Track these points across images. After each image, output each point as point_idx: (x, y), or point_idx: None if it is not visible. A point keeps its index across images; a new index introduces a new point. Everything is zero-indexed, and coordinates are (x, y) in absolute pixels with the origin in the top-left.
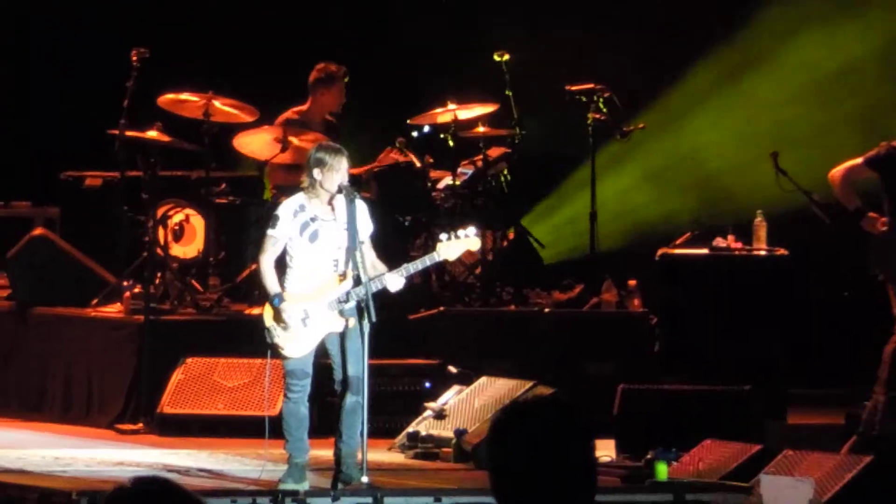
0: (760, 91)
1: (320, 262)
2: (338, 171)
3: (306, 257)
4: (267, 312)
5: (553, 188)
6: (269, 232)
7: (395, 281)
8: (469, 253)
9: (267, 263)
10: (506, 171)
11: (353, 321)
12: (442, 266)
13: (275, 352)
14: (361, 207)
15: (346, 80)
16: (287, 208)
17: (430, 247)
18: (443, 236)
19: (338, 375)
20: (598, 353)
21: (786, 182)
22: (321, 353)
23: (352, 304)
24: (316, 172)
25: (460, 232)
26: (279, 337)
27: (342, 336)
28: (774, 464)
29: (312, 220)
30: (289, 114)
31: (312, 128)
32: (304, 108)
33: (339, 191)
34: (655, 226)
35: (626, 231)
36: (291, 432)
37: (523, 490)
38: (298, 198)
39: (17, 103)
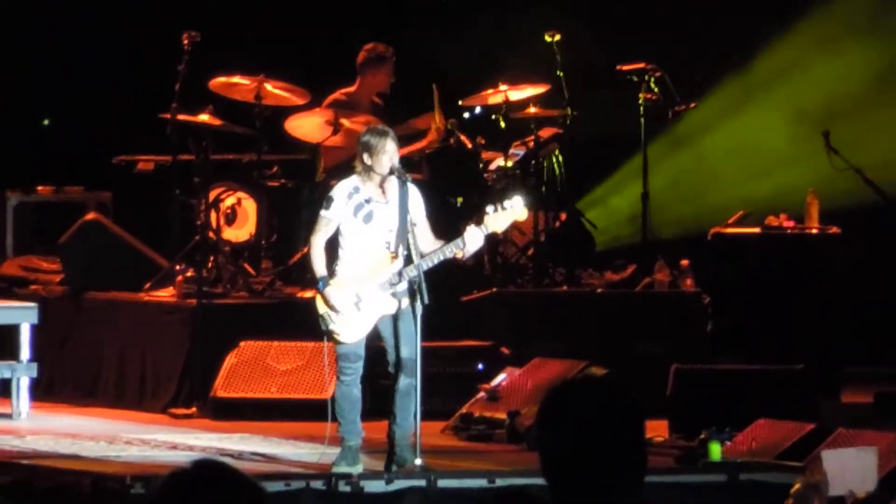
0: (815, 73)
1: (373, 244)
2: (385, 153)
3: (360, 238)
4: (319, 299)
5: (604, 170)
6: (323, 213)
7: (473, 238)
8: (519, 233)
9: (318, 245)
10: (557, 153)
11: (405, 301)
12: (494, 247)
13: (330, 338)
14: (413, 191)
15: (393, 60)
16: (342, 190)
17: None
18: (489, 209)
19: (391, 358)
20: (650, 333)
21: (838, 161)
22: (373, 335)
23: (404, 285)
24: (365, 157)
25: (506, 203)
26: (334, 323)
27: (395, 318)
28: (828, 442)
29: (367, 201)
30: (337, 95)
31: (360, 109)
32: (351, 89)
33: (391, 172)
34: (710, 206)
35: (680, 214)
36: (344, 415)
37: (573, 470)
38: (353, 180)
39: (69, 88)
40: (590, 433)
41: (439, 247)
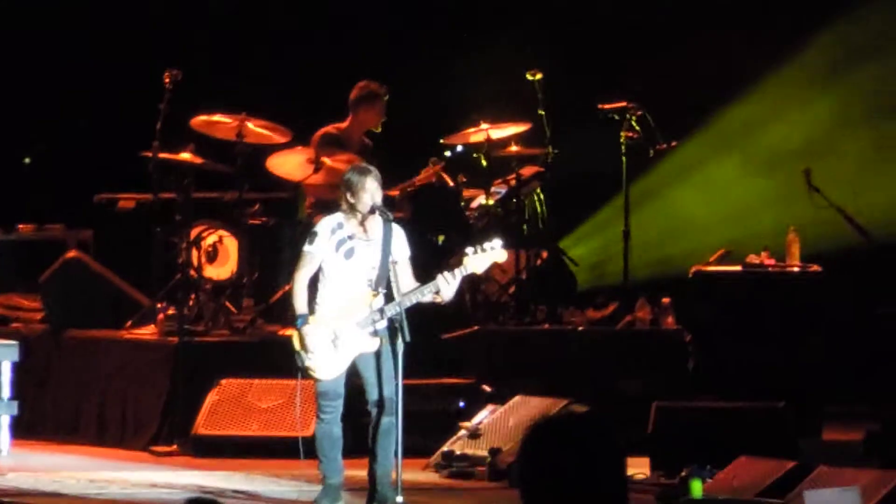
0: (792, 116)
1: (354, 281)
2: (366, 191)
3: (341, 275)
4: (295, 337)
5: (586, 208)
6: (306, 248)
7: (446, 288)
8: (500, 270)
9: (301, 281)
10: (539, 191)
11: (385, 340)
12: (475, 285)
13: (305, 374)
14: (397, 230)
15: (386, 98)
16: (325, 225)
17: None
18: (469, 249)
19: (371, 396)
20: (632, 370)
21: (819, 199)
22: (353, 372)
23: (384, 323)
24: (348, 195)
25: (486, 244)
26: (309, 360)
27: (377, 356)
28: (810, 480)
29: (350, 237)
30: (329, 128)
31: (349, 146)
32: (343, 125)
33: (373, 211)
34: (691, 245)
35: (661, 252)
36: (325, 453)
37: None
38: (337, 216)
39: (48, 126)
40: (572, 470)
41: (415, 288)
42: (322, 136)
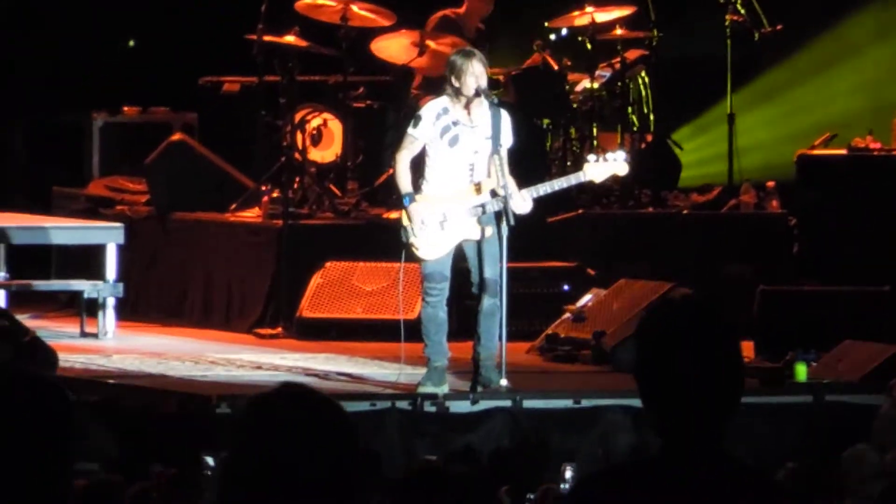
0: None
1: (458, 167)
2: (471, 74)
3: (445, 161)
4: (405, 214)
5: (691, 92)
6: (410, 131)
7: (521, 204)
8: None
9: (403, 162)
10: (643, 74)
11: (490, 230)
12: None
13: (409, 252)
14: (506, 117)
15: None
16: (431, 109)
17: (567, 151)
18: (590, 157)
19: (475, 279)
20: (736, 254)
21: None
22: (459, 256)
23: (490, 212)
24: (452, 78)
25: (609, 155)
26: (415, 237)
27: (480, 241)
28: None
29: (454, 123)
30: (446, 12)
31: (465, 31)
32: (460, 10)
33: (477, 94)
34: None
35: (767, 136)
36: (430, 336)
37: (674, 390)
38: (442, 100)
39: (155, 9)
40: (690, 351)
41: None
42: (439, 18)
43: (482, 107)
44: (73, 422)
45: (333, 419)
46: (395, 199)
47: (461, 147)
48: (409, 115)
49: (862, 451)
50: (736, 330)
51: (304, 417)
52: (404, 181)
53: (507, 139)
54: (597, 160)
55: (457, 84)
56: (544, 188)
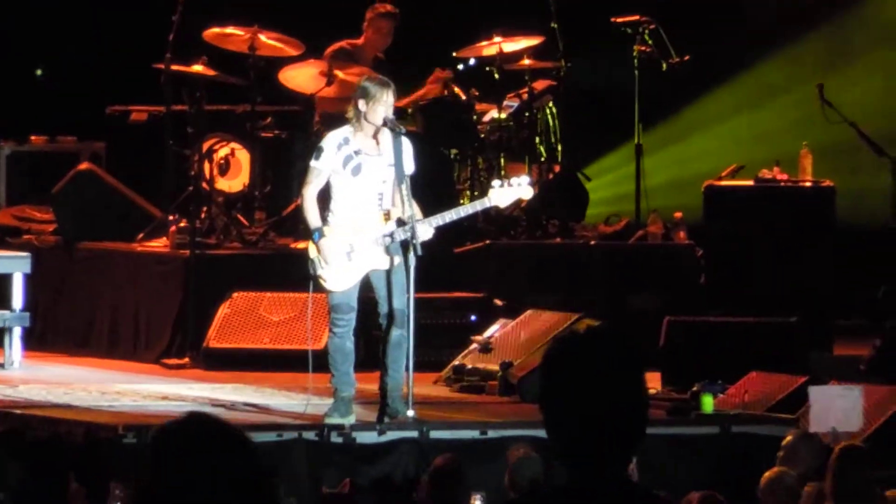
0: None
1: (364, 197)
2: (383, 103)
3: (350, 191)
4: (311, 246)
5: (598, 122)
6: (313, 164)
7: (424, 231)
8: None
9: (310, 196)
10: (551, 104)
11: (398, 258)
12: None
13: (317, 284)
14: (407, 144)
15: (397, 22)
16: (331, 141)
17: (474, 181)
18: (495, 183)
19: (383, 309)
20: (643, 285)
21: (832, 114)
22: (366, 286)
23: (397, 241)
24: (361, 104)
25: (514, 180)
26: (322, 269)
27: (388, 271)
28: None
29: (356, 153)
30: (342, 43)
31: (362, 62)
32: (357, 41)
33: (384, 124)
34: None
35: (673, 169)
36: (337, 367)
37: (578, 422)
38: (343, 131)
39: (62, 38)
40: (595, 384)
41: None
42: (336, 50)
43: (385, 136)
44: None
45: (239, 450)
46: (302, 229)
47: (364, 176)
48: (313, 147)
49: (780, 474)
50: (641, 361)
51: (209, 448)
52: (312, 215)
53: (410, 166)
54: (501, 185)
55: (363, 109)
56: (450, 215)
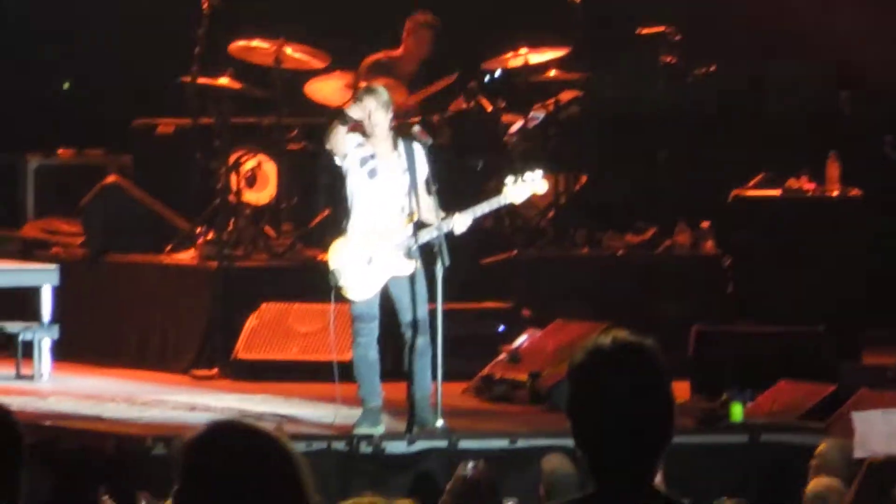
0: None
1: (381, 201)
2: (375, 110)
3: (367, 196)
4: (331, 255)
5: (624, 132)
6: (338, 162)
7: (462, 222)
8: (539, 196)
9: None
10: (577, 115)
11: (418, 264)
12: (514, 210)
13: (339, 294)
14: (419, 149)
15: (437, 32)
16: (349, 140)
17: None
18: (509, 179)
19: (405, 318)
20: (671, 294)
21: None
22: (388, 295)
23: (418, 245)
24: (358, 113)
25: (527, 175)
26: (343, 279)
27: (410, 278)
28: (852, 402)
29: (372, 157)
30: (379, 55)
31: (401, 74)
32: (395, 52)
33: (392, 129)
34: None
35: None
36: (363, 377)
37: (603, 432)
38: (357, 136)
39: (90, 51)
40: (621, 394)
41: (446, 217)
42: (372, 63)
43: (399, 144)
44: (22, 452)
45: (269, 450)
46: (328, 240)
47: (381, 180)
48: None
49: (828, 484)
50: (668, 370)
51: (239, 452)
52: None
53: (423, 170)
54: (515, 181)
55: (363, 117)
56: (475, 211)
